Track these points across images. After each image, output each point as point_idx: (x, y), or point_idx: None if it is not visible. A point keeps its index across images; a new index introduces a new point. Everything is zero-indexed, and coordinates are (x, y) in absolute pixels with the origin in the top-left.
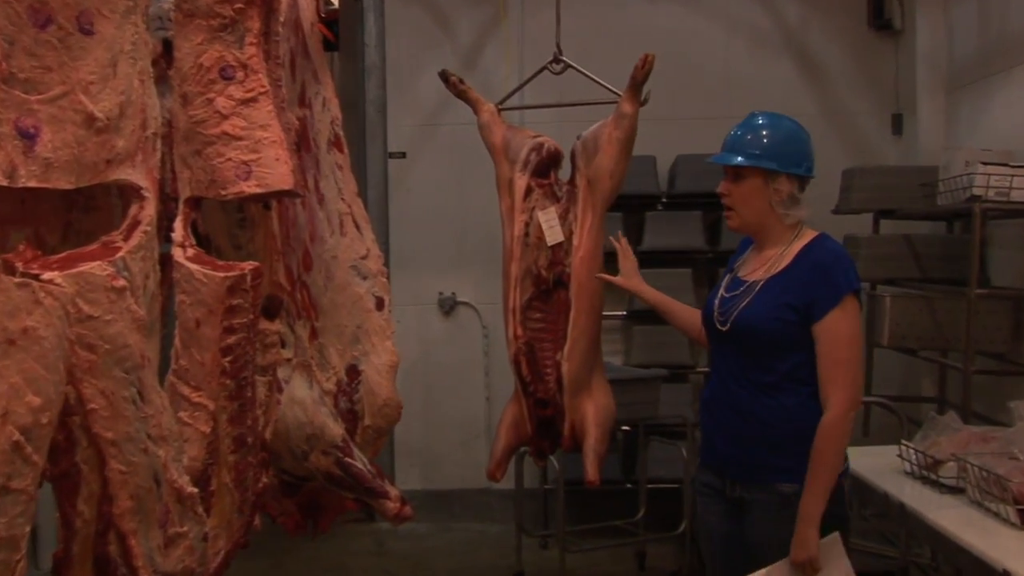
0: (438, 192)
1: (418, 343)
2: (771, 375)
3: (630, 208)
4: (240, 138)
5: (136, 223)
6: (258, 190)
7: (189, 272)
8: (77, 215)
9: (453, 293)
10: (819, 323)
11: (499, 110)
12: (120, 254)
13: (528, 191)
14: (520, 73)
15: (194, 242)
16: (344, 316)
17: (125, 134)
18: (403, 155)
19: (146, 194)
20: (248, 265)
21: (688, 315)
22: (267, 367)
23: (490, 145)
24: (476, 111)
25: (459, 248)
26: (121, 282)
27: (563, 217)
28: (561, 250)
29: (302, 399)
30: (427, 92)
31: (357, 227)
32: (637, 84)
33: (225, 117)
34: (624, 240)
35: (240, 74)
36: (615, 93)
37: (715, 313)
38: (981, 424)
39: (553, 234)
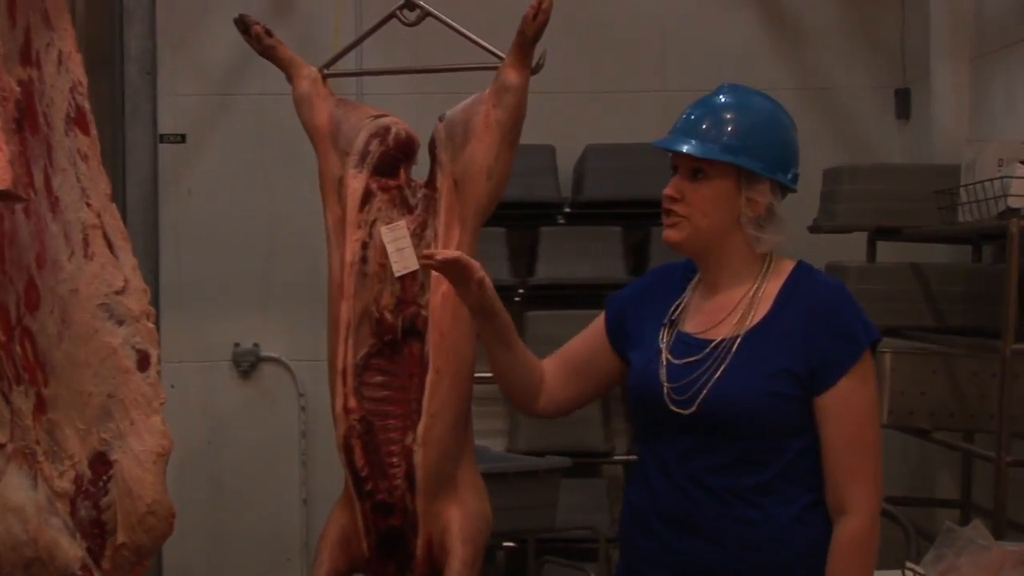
0: (234, 195)
1: (203, 418)
2: (759, 475)
3: (519, 221)
4: None
5: None
6: None
7: None
8: None
9: (255, 344)
10: (828, 394)
11: (324, 76)
12: None
13: (367, 196)
14: (357, 23)
15: None
16: (88, 379)
17: None
18: (182, 138)
19: None
20: None
21: (531, 363)
22: None
23: (311, 128)
24: (290, 77)
25: (264, 279)
26: None
27: (418, 235)
28: (415, 284)
29: (21, 505)
30: (217, 47)
31: (110, 246)
32: (527, 42)
33: None
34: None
35: None
36: (495, 55)
37: (664, 389)
38: (1020, 539)
39: (404, 259)
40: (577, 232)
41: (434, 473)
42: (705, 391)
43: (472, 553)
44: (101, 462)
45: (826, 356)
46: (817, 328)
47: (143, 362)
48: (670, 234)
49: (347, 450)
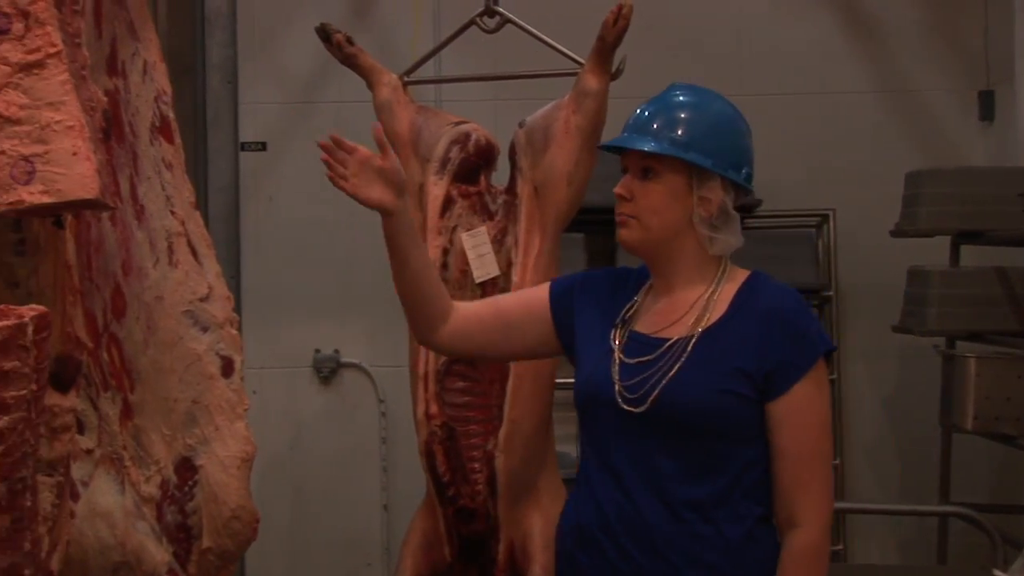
0: (314, 202)
1: (284, 425)
2: (711, 484)
3: (597, 227)
4: (18, 121)
5: None
6: (46, 199)
7: None
8: None
9: (336, 351)
10: (781, 400)
11: (405, 83)
12: None
13: (448, 203)
14: (435, 29)
15: None
16: (173, 385)
17: None
18: (262, 146)
19: None
20: (29, 311)
21: (439, 288)
22: (57, 462)
23: (392, 135)
24: (371, 85)
25: (344, 285)
26: None
27: (499, 241)
28: (495, 289)
29: (109, 510)
30: (299, 54)
31: (194, 254)
32: (607, 47)
33: None
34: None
35: (19, 26)
36: (575, 61)
37: (615, 386)
38: None
39: (484, 266)
40: None
41: (515, 479)
42: (658, 389)
43: (553, 559)
44: (186, 467)
45: (781, 359)
46: (772, 331)
47: (227, 368)
48: (621, 233)
49: (429, 456)
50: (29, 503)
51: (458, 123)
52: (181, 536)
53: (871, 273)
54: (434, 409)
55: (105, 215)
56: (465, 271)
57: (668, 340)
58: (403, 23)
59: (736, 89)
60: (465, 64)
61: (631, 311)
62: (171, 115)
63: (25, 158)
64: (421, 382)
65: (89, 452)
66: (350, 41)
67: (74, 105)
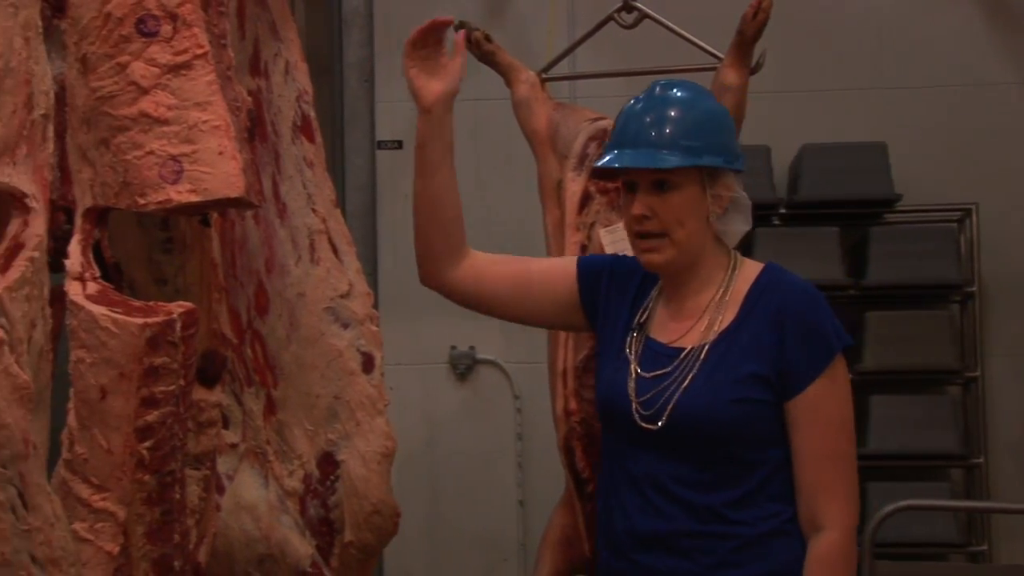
0: None
1: (420, 421)
2: (734, 489)
3: None
4: (166, 122)
5: (17, 246)
6: (193, 198)
7: (91, 317)
8: None
9: (472, 347)
10: (798, 399)
11: (543, 80)
12: None
13: (586, 199)
14: (570, 25)
15: (98, 273)
16: (315, 381)
17: (2, 117)
18: (399, 145)
19: (32, 204)
20: (177, 307)
21: (458, 219)
22: (204, 456)
23: (530, 131)
24: (509, 82)
25: None
26: None
27: None
28: None
29: (254, 503)
30: None
31: (335, 251)
32: (747, 41)
33: (144, 91)
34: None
35: (167, 28)
36: (714, 56)
37: (633, 405)
38: None
39: None
40: (793, 233)
41: None
42: (671, 404)
43: None
44: (328, 462)
45: (795, 358)
46: (786, 329)
47: (368, 364)
48: (652, 259)
49: (568, 452)
50: (178, 496)
51: (596, 119)
52: (324, 530)
53: (1016, 268)
54: (573, 405)
55: (248, 213)
56: None
57: (683, 350)
58: (538, 20)
59: (874, 83)
60: (599, 60)
61: (645, 315)
62: (312, 114)
63: (173, 158)
64: (560, 378)
65: (234, 446)
66: (488, 38)
67: (220, 105)
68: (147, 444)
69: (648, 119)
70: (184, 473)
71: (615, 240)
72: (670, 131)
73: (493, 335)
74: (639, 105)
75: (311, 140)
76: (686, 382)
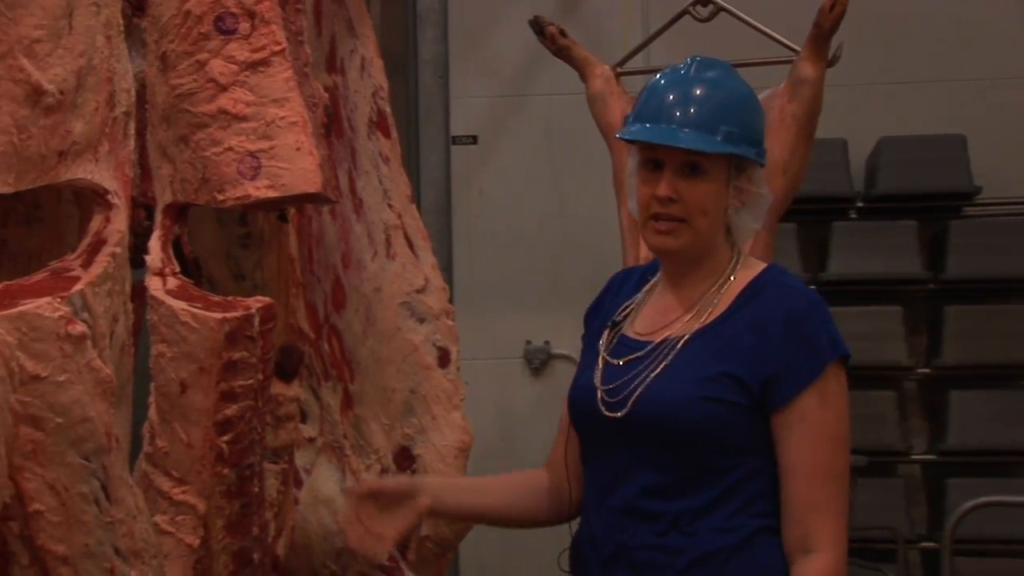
0: (525, 194)
1: (495, 415)
2: (697, 496)
3: (810, 216)
4: (245, 118)
5: (100, 242)
6: (271, 193)
7: (171, 312)
8: (15, 230)
9: (547, 342)
10: (786, 411)
11: (618, 75)
12: (78, 287)
13: None
14: (645, 19)
15: (177, 269)
16: (392, 376)
17: (85, 114)
18: (473, 140)
19: (114, 200)
20: (255, 302)
21: (526, 481)
22: (282, 450)
23: (605, 126)
24: (584, 76)
25: (555, 277)
26: (79, 328)
27: None
28: None
29: (331, 497)
30: (509, 48)
31: (411, 246)
32: (824, 34)
33: (223, 88)
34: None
35: (245, 25)
36: (790, 48)
37: (598, 393)
38: None
39: None
40: (870, 227)
41: None
42: (638, 392)
43: None
44: (405, 456)
45: (781, 366)
46: (773, 334)
47: (443, 359)
48: (666, 242)
49: None
50: (256, 489)
51: None
52: None
53: None
54: None
55: (325, 209)
56: None
57: (652, 342)
58: (612, 13)
59: (955, 74)
60: (673, 53)
61: (626, 311)
62: (388, 110)
63: (251, 154)
64: None
65: (311, 440)
66: (563, 33)
67: (297, 102)
68: (226, 438)
69: (687, 95)
70: (263, 467)
71: None
72: (711, 113)
73: (568, 330)
74: (673, 77)
75: (387, 136)
76: (656, 371)
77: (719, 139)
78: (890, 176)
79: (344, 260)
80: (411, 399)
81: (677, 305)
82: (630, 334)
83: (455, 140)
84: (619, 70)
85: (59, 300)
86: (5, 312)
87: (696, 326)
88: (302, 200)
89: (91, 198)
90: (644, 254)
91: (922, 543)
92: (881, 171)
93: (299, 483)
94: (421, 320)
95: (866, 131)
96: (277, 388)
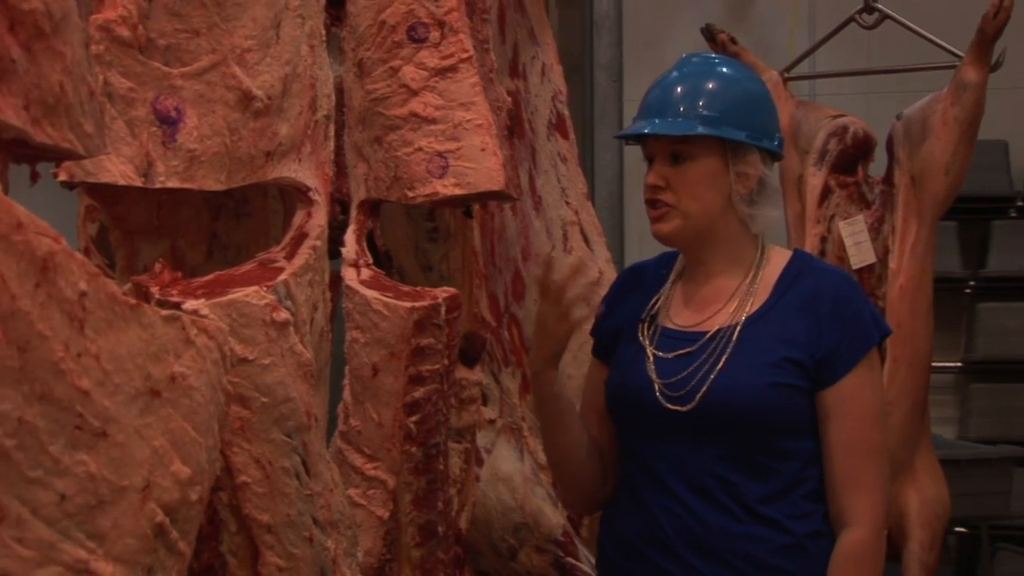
0: None
1: None
2: (769, 482)
3: (970, 216)
4: (434, 121)
5: (302, 235)
6: (457, 191)
7: (364, 301)
8: (226, 224)
9: None
10: (832, 389)
11: (785, 80)
12: (282, 277)
13: (825, 193)
14: (811, 26)
15: (371, 260)
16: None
17: (290, 118)
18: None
19: (315, 197)
20: (442, 292)
21: (585, 444)
22: (465, 430)
23: None
24: None
25: None
26: (283, 314)
27: (875, 229)
28: (872, 276)
29: (510, 475)
30: (680, 53)
31: (586, 241)
32: (987, 39)
33: (414, 93)
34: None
35: (435, 34)
36: (953, 54)
37: (656, 386)
38: None
39: (861, 253)
40: None
41: (892, 457)
42: (706, 384)
43: (930, 537)
44: None
45: (833, 346)
46: (822, 316)
47: None
48: (659, 227)
49: None
50: (442, 467)
51: (836, 116)
52: None
53: None
54: None
55: (507, 205)
56: (842, 257)
57: (699, 333)
58: (780, 21)
59: None
60: (837, 59)
61: (658, 303)
62: (566, 113)
63: (439, 154)
64: None
65: (492, 422)
66: (734, 40)
67: (483, 105)
68: (414, 418)
69: (669, 88)
70: (447, 446)
71: (854, 232)
72: (688, 100)
73: None
74: (666, 76)
75: (565, 137)
76: (720, 363)
77: (696, 123)
78: None
79: (524, 253)
80: None
81: (715, 296)
82: (672, 326)
83: (628, 141)
84: (786, 75)
85: (265, 289)
86: (217, 300)
87: (743, 315)
88: (486, 197)
89: (294, 195)
90: (808, 250)
91: None
92: None
93: (480, 462)
94: None
95: None
96: (461, 372)
